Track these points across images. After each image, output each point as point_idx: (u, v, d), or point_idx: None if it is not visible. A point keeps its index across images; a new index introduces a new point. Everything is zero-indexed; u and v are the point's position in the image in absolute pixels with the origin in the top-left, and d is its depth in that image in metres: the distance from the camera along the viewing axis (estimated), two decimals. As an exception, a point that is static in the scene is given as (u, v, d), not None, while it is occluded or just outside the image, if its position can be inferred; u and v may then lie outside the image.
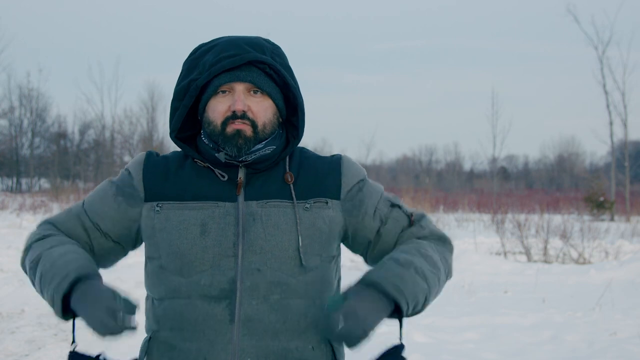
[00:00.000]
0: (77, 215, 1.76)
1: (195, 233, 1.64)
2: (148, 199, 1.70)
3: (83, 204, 1.78)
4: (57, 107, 76.26)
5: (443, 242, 1.78)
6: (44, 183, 43.25)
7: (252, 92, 1.67)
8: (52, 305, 1.59)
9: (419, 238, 1.75)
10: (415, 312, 1.64)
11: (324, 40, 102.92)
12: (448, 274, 1.74)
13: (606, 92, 30.05)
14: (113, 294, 1.53)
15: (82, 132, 48.06)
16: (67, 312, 1.58)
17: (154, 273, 1.70)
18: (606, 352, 5.56)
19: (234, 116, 1.64)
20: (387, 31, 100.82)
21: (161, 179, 1.71)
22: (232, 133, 1.64)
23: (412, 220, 1.76)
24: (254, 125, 1.65)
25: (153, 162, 1.75)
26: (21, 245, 13.15)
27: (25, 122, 44.90)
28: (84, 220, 1.75)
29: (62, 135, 46.84)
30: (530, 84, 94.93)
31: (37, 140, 46.00)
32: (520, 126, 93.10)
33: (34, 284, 1.68)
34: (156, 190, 1.70)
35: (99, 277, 1.60)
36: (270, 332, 1.61)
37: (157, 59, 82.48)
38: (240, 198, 1.67)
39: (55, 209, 24.43)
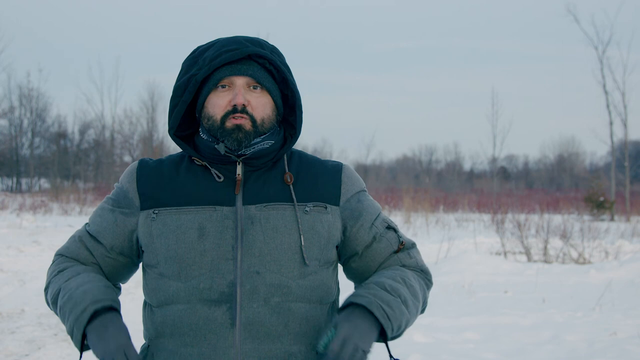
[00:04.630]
0: (80, 238, 1.78)
1: (193, 236, 1.63)
2: (144, 207, 1.70)
3: (86, 225, 1.80)
4: (57, 107, 76.55)
5: (425, 275, 1.80)
6: (44, 183, 43.25)
7: (251, 88, 1.67)
8: (72, 337, 1.61)
9: (404, 265, 1.77)
10: (396, 337, 1.67)
11: (324, 40, 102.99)
12: (423, 307, 1.77)
13: (606, 92, 30.08)
14: (128, 338, 1.57)
15: (82, 132, 48.02)
16: (85, 343, 1.60)
17: (152, 281, 1.69)
18: (606, 352, 5.56)
19: (234, 110, 1.64)
20: (387, 31, 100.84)
21: (156, 186, 1.71)
22: (231, 128, 1.65)
23: (401, 247, 1.77)
24: (252, 119, 1.65)
25: (146, 169, 1.74)
26: (21, 245, 13.14)
27: (25, 122, 44.88)
28: (86, 242, 1.77)
29: (62, 135, 46.77)
30: (530, 84, 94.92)
31: (37, 140, 45.97)
32: (520, 126, 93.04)
33: (58, 315, 1.70)
34: (151, 197, 1.70)
35: (116, 307, 1.62)
36: (272, 335, 1.61)
37: (157, 58, 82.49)
38: (239, 202, 1.66)
39: (55, 209, 24.44)
